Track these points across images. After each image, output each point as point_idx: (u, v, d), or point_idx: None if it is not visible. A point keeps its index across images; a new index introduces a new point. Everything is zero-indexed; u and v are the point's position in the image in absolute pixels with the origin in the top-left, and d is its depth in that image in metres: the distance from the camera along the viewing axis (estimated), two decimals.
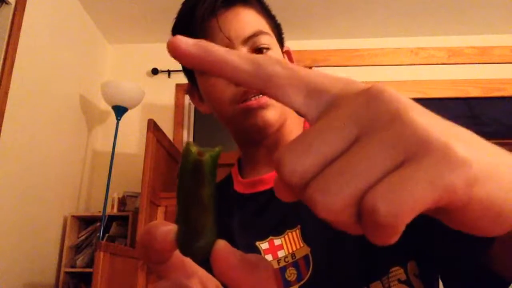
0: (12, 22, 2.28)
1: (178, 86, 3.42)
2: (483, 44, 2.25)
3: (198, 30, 0.60)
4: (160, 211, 2.61)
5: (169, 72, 3.42)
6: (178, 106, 3.38)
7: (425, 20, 3.27)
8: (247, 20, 0.60)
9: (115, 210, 2.81)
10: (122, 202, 2.87)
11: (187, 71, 0.68)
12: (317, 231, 0.52)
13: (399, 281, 0.49)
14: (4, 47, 2.22)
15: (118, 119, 2.85)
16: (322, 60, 2.06)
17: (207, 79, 0.61)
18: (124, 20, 3.24)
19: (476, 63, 2.11)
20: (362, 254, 0.50)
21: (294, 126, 0.64)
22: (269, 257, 0.54)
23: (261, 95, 0.57)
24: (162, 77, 3.43)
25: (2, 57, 2.20)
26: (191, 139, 3.43)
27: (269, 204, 0.59)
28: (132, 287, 2.16)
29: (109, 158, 2.76)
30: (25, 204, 2.35)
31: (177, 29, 0.65)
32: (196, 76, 0.64)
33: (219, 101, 0.60)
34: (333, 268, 0.50)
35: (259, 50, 0.59)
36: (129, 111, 2.90)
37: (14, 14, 2.29)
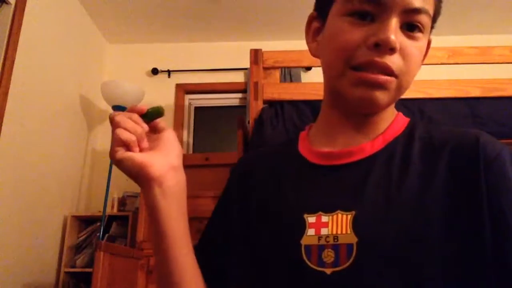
0: (12, 22, 2.28)
1: (178, 86, 3.42)
2: (483, 44, 2.25)
3: None
4: None
5: (169, 72, 3.42)
6: (178, 106, 3.38)
7: None
8: None
9: (115, 210, 2.81)
10: (122, 202, 2.87)
11: None
12: (375, 228, 0.50)
13: None
14: (4, 47, 2.22)
15: None
16: None
17: (339, 20, 0.54)
18: (124, 20, 3.24)
19: (476, 63, 2.11)
20: (417, 278, 0.47)
21: (389, 115, 0.60)
22: (311, 232, 0.52)
23: (381, 74, 0.51)
24: (162, 77, 3.43)
25: (2, 57, 2.20)
26: (191, 139, 3.43)
27: (332, 179, 0.56)
28: (132, 287, 2.16)
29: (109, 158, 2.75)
30: (25, 204, 2.35)
31: None
32: (332, 10, 0.56)
33: (339, 53, 0.53)
34: (381, 273, 0.47)
35: (411, 27, 0.52)
36: None
37: (14, 14, 2.29)
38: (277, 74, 2.13)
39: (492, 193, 0.48)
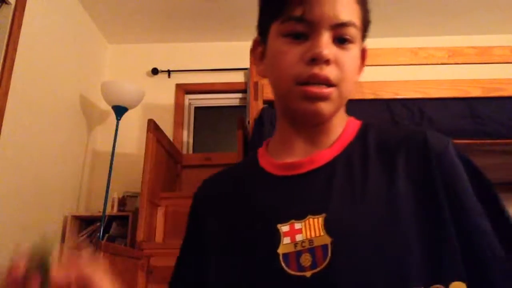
0: (12, 22, 2.28)
1: (178, 86, 3.42)
2: (483, 44, 2.25)
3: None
4: (160, 211, 2.61)
5: (169, 72, 3.42)
6: (178, 106, 3.38)
7: (425, 20, 3.27)
8: (345, 4, 0.57)
9: (115, 210, 2.81)
10: (122, 202, 2.87)
11: (262, 20, 0.64)
12: (346, 225, 0.52)
13: None
14: (4, 47, 2.22)
15: (118, 119, 2.85)
16: None
17: (278, 41, 0.59)
18: (124, 20, 3.24)
19: (476, 63, 2.11)
20: (400, 264, 0.49)
21: (339, 121, 0.63)
22: (287, 240, 0.54)
23: (323, 86, 0.55)
24: (162, 77, 3.43)
25: (2, 57, 2.20)
26: (191, 139, 3.43)
27: (298, 188, 0.59)
28: (132, 287, 2.16)
29: (109, 158, 2.76)
30: (25, 204, 2.35)
31: None
32: (270, 33, 0.61)
33: (282, 72, 0.58)
34: (357, 267, 0.50)
35: (342, 40, 0.57)
36: (129, 111, 2.90)
37: (14, 14, 2.29)
38: None
39: (446, 182, 0.53)
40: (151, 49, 3.50)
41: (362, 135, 0.62)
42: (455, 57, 2.07)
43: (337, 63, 0.56)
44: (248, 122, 2.19)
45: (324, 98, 0.56)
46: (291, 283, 0.51)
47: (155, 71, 3.41)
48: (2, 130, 2.14)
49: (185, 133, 3.37)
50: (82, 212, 2.90)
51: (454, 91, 1.96)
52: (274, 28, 0.60)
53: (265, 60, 0.64)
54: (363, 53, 0.64)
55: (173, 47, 3.51)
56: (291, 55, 0.57)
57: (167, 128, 3.11)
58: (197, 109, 3.53)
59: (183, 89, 3.44)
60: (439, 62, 2.08)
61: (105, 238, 2.60)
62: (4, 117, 2.16)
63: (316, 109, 0.56)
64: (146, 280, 2.22)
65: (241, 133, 2.39)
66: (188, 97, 3.49)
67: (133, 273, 2.19)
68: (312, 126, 0.61)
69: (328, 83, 0.55)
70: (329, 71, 0.55)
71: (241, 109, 3.28)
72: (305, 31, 0.56)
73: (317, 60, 0.55)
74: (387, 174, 0.55)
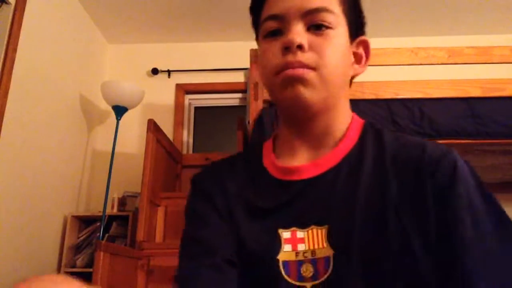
0: (12, 22, 2.27)
1: (178, 86, 3.42)
2: (483, 44, 2.25)
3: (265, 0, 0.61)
4: (160, 211, 2.61)
5: (169, 72, 3.42)
6: (178, 106, 3.38)
7: (425, 20, 3.27)
8: None
9: (115, 210, 2.81)
10: (122, 202, 2.87)
11: (254, 28, 0.68)
12: (347, 238, 0.51)
13: None
14: (4, 47, 2.22)
15: (118, 119, 2.85)
16: None
17: (262, 43, 0.61)
18: (124, 20, 3.24)
19: (476, 63, 2.11)
20: (392, 278, 0.49)
21: (341, 118, 0.61)
22: (288, 247, 0.53)
23: (298, 68, 0.55)
24: (162, 77, 3.43)
25: (2, 57, 2.20)
26: (191, 139, 3.43)
27: (302, 195, 0.57)
28: (132, 287, 2.16)
29: (109, 158, 2.76)
30: (25, 204, 2.35)
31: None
32: (259, 38, 0.64)
33: (265, 69, 0.60)
34: (357, 283, 0.49)
35: (317, 26, 0.57)
36: (129, 111, 2.90)
37: (14, 14, 2.29)
38: None
39: (438, 199, 0.50)
40: (151, 49, 3.50)
41: (364, 137, 0.60)
42: (455, 57, 2.07)
43: (313, 48, 0.56)
44: (248, 122, 2.19)
45: (300, 79, 0.55)
46: None
47: (155, 71, 3.41)
48: (2, 130, 2.13)
49: (185, 133, 3.37)
50: (82, 212, 2.90)
51: (454, 91, 1.96)
52: (259, 32, 0.62)
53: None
54: (364, 45, 0.65)
55: (173, 47, 3.51)
56: (270, 51, 0.58)
57: (167, 128, 3.11)
58: (197, 109, 3.53)
59: (183, 89, 3.44)
60: (439, 62, 2.08)
61: (105, 238, 2.60)
62: (4, 117, 2.16)
63: (296, 93, 0.55)
64: (146, 280, 2.22)
65: (241, 133, 2.39)
66: (188, 97, 3.49)
67: (133, 273, 2.19)
68: (307, 120, 0.60)
69: (305, 67, 0.55)
70: (304, 57, 0.55)
71: (241, 109, 3.28)
72: (280, 27, 0.58)
73: (290, 47, 0.55)
74: (382, 182, 0.54)
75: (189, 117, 3.46)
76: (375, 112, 1.89)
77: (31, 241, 2.38)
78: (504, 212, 0.51)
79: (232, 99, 3.47)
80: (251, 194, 0.61)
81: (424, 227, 0.50)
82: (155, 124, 2.63)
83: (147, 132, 2.58)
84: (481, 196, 0.51)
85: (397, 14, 3.19)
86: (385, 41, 3.22)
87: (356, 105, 1.93)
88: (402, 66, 2.13)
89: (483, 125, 1.85)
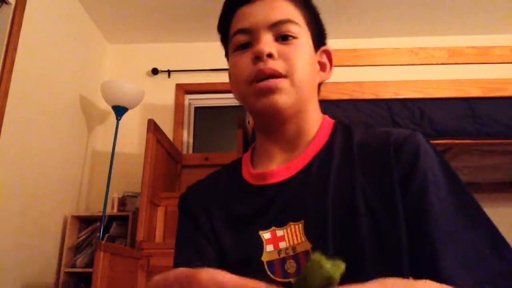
0: (12, 22, 2.28)
1: (178, 86, 3.42)
2: (483, 44, 2.25)
3: (232, 17, 0.67)
4: (160, 211, 2.61)
5: (169, 72, 3.42)
6: (178, 106, 3.38)
7: (425, 20, 3.27)
8: (278, 7, 0.62)
9: (115, 210, 2.81)
10: (122, 202, 2.87)
11: (223, 46, 0.72)
12: (320, 231, 0.53)
13: None
14: (4, 47, 2.22)
15: (118, 119, 2.85)
16: None
17: (233, 56, 0.65)
18: (124, 20, 3.24)
19: (476, 63, 2.11)
20: (371, 267, 0.50)
21: (312, 121, 0.64)
22: (270, 247, 0.56)
23: (270, 79, 0.58)
24: (162, 77, 3.43)
25: (2, 57, 2.20)
26: (191, 139, 3.43)
27: (276, 196, 0.60)
28: (132, 287, 2.16)
29: (109, 158, 2.76)
30: (25, 204, 2.35)
31: (220, 18, 0.72)
32: (229, 54, 0.68)
33: (237, 80, 0.63)
34: None
35: (284, 37, 0.61)
36: (129, 111, 2.90)
37: (14, 14, 2.29)
38: None
39: (405, 172, 0.53)
40: (151, 49, 3.50)
41: (334, 135, 0.63)
42: (455, 57, 2.07)
43: (282, 56, 0.60)
44: (248, 122, 2.19)
45: (274, 89, 0.58)
46: None
47: (155, 71, 3.41)
48: (2, 130, 2.13)
49: (185, 133, 3.37)
50: (82, 212, 2.90)
51: (454, 91, 1.96)
52: (230, 47, 0.66)
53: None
54: (327, 54, 0.68)
55: (173, 47, 3.51)
56: (242, 62, 0.62)
57: (167, 128, 3.11)
58: (197, 109, 3.53)
59: (183, 89, 3.44)
60: (439, 62, 2.08)
61: (105, 238, 2.60)
62: (4, 117, 2.16)
63: (271, 102, 0.59)
64: (146, 280, 2.22)
65: (241, 133, 2.39)
66: (188, 97, 3.49)
67: (133, 273, 2.19)
68: (280, 125, 0.63)
69: (275, 75, 0.58)
70: (275, 64, 0.59)
71: (241, 109, 3.26)
72: (249, 40, 0.62)
73: (260, 57, 0.59)
74: (350, 170, 0.56)
75: (189, 117, 3.46)
76: (375, 112, 1.89)
77: (31, 241, 2.38)
78: (468, 189, 0.53)
79: (232, 99, 3.43)
80: (232, 206, 0.64)
81: (392, 205, 0.51)
82: (155, 124, 2.63)
83: (147, 132, 2.58)
84: (444, 170, 0.53)
85: (397, 14, 3.19)
86: (385, 41, 3.22)
87: (356, 105, 1.93)
88: (402, 66, 2.13)
89: (483, 125, 1.85)
